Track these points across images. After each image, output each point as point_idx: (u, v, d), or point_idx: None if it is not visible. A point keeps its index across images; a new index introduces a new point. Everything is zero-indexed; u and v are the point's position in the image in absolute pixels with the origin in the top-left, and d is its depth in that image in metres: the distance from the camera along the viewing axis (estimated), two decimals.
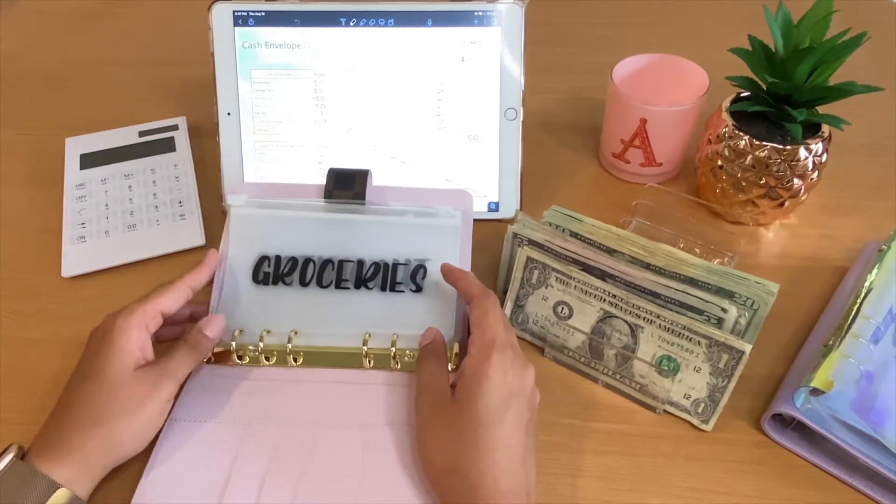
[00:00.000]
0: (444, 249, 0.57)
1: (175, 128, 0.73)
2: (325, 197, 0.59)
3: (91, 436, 0.44)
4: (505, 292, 0.56)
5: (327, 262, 0.57)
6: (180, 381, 0.48)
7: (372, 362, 0.53)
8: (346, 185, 0.59)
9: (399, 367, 0.53)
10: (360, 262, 0.56)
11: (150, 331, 0.49)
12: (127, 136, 0.72)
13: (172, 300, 0.51)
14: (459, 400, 0.45)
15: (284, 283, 0.56)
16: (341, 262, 0.57)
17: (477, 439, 0.43)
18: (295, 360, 0.54)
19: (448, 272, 0.53)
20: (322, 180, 0.63)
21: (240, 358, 0.53)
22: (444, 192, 0.59)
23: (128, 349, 0.47)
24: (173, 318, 0.52)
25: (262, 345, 0.53)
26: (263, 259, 0.57)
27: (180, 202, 0.66)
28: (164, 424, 0.48)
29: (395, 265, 0.56)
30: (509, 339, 0.47)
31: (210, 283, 0.56)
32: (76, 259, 0.62)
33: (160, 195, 0.67)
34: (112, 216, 0.65)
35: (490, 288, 0.58)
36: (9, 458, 0.43)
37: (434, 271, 0.55)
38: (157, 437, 0.48)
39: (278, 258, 0.57)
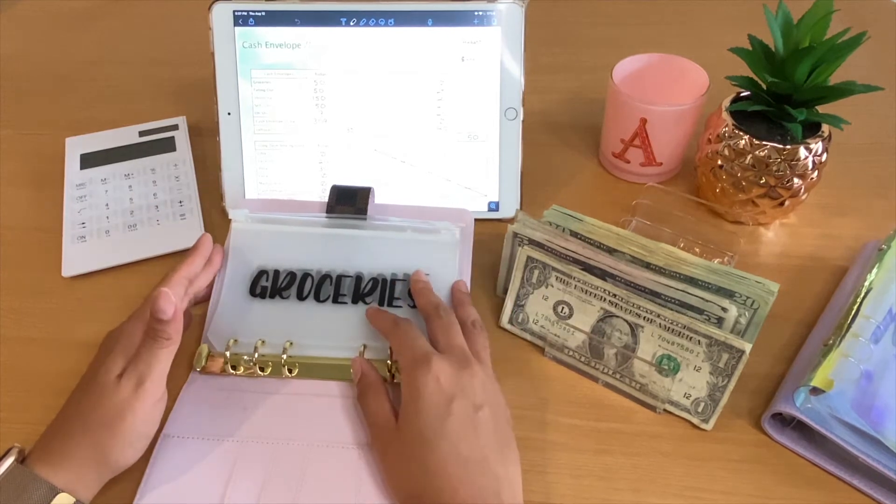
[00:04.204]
0: (443, 265, 0.57)
1: (175, 127, 0.73)
2: (327, 212, 0.59)
3: (82, 444, 0.43)
4: (505, 291, 0.56)
5: (325, 276, 0.57)
6: (158, 380, 0.45)
7: None
8: (348, 202, 0.59)
9: (395, 379, 0.52)
10: (359, 277, 0.57)
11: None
12: (127, 135, 0.72)
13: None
14: (401, 426, 0.45)
15: (281, 296, 0.56)
16: (339, 277, 0.57)
17: (425, 460, 0.43)
18: (290, 371, 0.53)
19: (371, 314, 0.54)
20: (321, 180, 0.63)
21: (234, 368, 0.53)
22: (445, 211, 0.60)
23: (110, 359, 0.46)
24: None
25: (256, 355, 0.53)
26: (262, 273, 0.57)
27: (181, 202, 0.66)
28: (157, 432, 0.47)
29: (394, 280, 0.56)
30: (448, 342, 0.48)
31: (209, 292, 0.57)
32: (76, 259, 0.62)
33: (160, 195, 0.67)
34: (112, 216, 0.65)
35: (490, 288, 0.59)
36: (9, 461, 0.42)
37: (433, 286, 0.55)
38: (151, 450, 0.48)
39: (276, 272, 0.57)
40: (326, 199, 0.60)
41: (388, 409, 0.47)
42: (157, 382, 0.45)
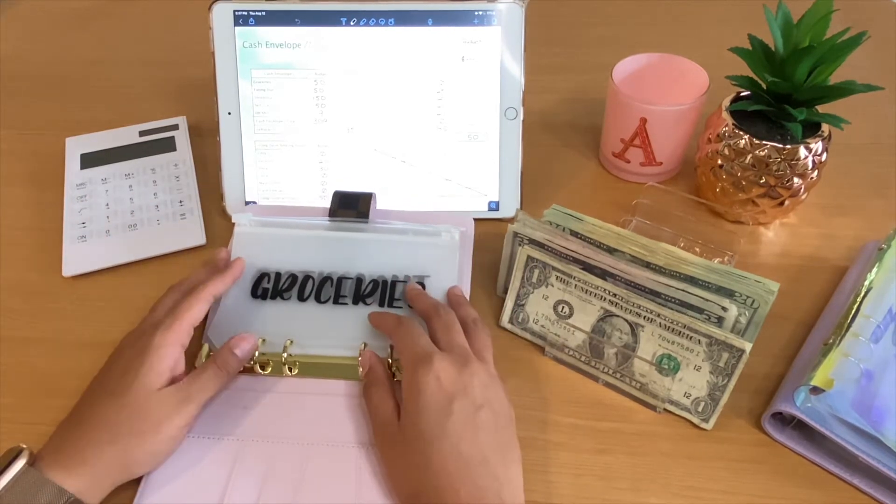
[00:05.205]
0: (443, 267, 0.57)
1: (175, 127, 0.73)
2: (329, 216, 0.59)
3: (106, 452, 0.43)
4: (505, 291, 0.56)
5: (326, 278, 0.57)
6: (203, 403, 0.47)
7: None
8: (351, 208, 0.59)
9: (396, 378, 0.52)
10: (360, 279, 0.57)
11: (184, 346, 0.48)
12: (127, 135, 0.72)
13: (201, 311, 0.50)
14: (403, 424, 0.45)
15: (282, 297, 0.56)
16: (340, 279, 0.57)
17: (427, 458, 0.43)
18: (290, 370, 0.53)
19: (373, 318, 0.54)
20: (322, 180, 0.63)
21: None
22: (445, 214, 0.60)
23: (158, 368, 0.46)
24: None
25: (257, 353, 0.53)
26: (263, 275, 0.57)
27: (181, 202, 0.66)
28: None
29: (394, 282, 0.56)
30: (449, 340, 0.48)
31: None
32: (77, 259, 0.62)
33: (161, 195, 0.67)
34: (113, 216, 0.65)
35: (490, 288, 0.59)
36: (20, 464, 0.42)
37: (433, 288, 0.56)
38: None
39: (278, 274, 0.57)
40: (328, 205, 0.60)
41: (391, 406, 0.47)
42: (201, 405, 0.47)
